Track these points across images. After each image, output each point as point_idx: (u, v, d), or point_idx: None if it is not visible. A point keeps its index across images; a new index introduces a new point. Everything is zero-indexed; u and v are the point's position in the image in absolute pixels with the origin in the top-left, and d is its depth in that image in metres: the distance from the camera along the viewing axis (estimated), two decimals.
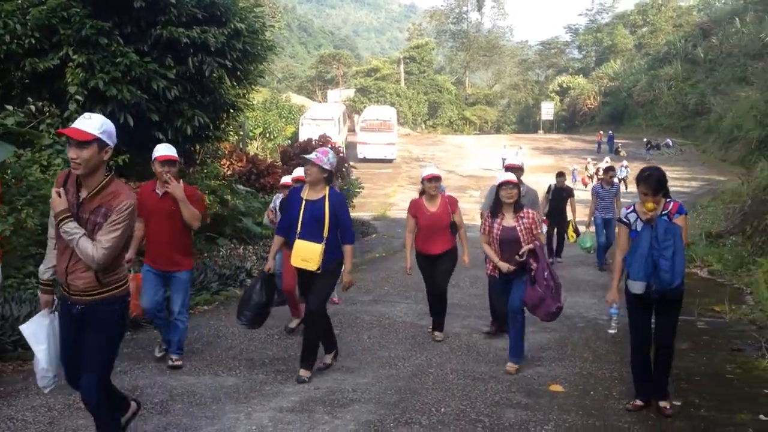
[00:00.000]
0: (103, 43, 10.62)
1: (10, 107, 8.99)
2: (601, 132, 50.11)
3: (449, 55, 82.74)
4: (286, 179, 8.09)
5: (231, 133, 17.38)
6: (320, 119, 40.55)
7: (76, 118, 9.37)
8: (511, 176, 6.39)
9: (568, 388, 5.84)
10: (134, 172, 10.99)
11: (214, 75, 11.91)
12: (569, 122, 68.25)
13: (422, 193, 7.47)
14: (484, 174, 36.99)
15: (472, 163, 41.69)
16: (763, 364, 6.56)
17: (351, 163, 21.24)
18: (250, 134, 30.39)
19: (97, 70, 10.49)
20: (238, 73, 12.88)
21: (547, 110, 66.04)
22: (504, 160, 36.84)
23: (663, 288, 4.91)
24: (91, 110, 10.22)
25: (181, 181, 6.18)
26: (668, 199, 5.16)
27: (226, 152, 16.60)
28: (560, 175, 13.71)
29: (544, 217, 12.03)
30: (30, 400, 5.21)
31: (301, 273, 5.99)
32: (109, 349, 3.87)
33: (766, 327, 7.82)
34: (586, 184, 32.47)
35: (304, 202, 5.86)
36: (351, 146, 42.43)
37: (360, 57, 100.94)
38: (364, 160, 39.86)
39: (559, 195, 13.31)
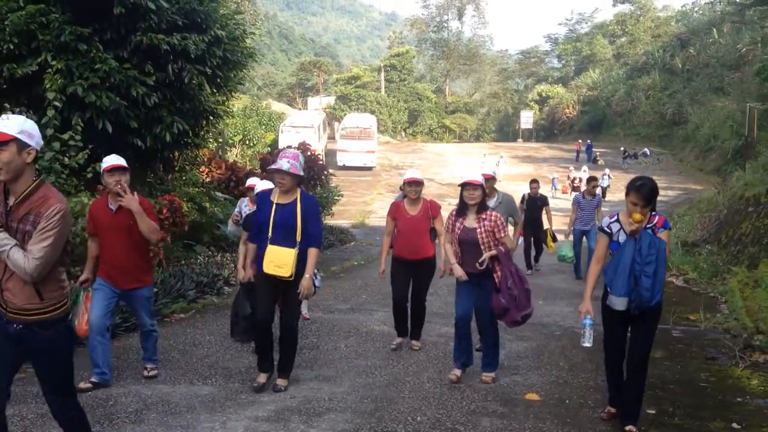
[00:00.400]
0: (83, 49, 10.58)
1: None
2: (580, 141, 50.59)
3: (430, 64, 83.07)
4: (251, 181, 7.79)
5: (210, 140, 17.37)
6: (300, 126, 40.50)
7: (55, 125, 9.38)
8: (474, 177, 6.11)
9: (543, 397, 5.89)
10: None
11: (194, 82, 11.90)
12: (548, 131, 68.73)
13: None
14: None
15: (452, 171, 41.77)
16: (737, 372, 6.66)
17: (330, 171, 21.22)
18: (230, 141, 30.30)
19: (76, 76, 10.44)
20: (218, 80, 12.87)
21: (527, 119, 66.49)
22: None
23: (642, 306, 4.79)
24: (69, 116, 10.20)
25: (135, 192, 5.81)
26: (653, 212, 4.95)
27: (205, 159, 16.54)
28: (534, 182, 13.52)
29: (520, 228, 11.95)
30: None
31: (271, 284, 5.71)
32: (64, 369, 3.72)
33: (739, 335, 7.92)
34: (566, 193, 32.70)
35: (274, 206, 5.65)
36: (331, 154, 42.50)
37: (341, 65, 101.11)
38: (344, 168, 39.91)
39: (534, 204, 13.20)
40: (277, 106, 57.70)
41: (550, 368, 6.80)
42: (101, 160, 9.72)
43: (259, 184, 7.22)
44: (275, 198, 5.69)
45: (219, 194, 14.79)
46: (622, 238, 4.92)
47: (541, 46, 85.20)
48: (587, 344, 5.10)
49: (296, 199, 5.66)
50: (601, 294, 5.12)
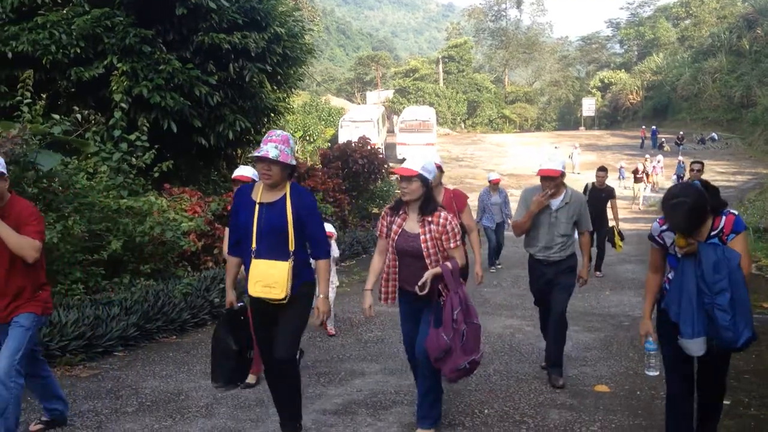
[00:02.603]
0: (147, 50, 10.84)
1: (57, 116, 9.21)
2: (644, 127, 49.40)
3: (488, 54, 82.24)
4: (239, 172, 6.22)
5: None
6: (359, 121, 40.60)
7: (121, 126, 9.63)
8: (411, 165, 4.54)
9: (613, 388, 5.78)
10: (178, 177, 11.18)
11: (255, 80, 12.08)
12: (611, 118, 67.37)
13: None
14: (524, 172, 36.70)
15: (512, 162, 41.37)
16: None
17: (390, 165, 21.22)
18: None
19: (141, 78, 10.70)
20: (278, 77, 13.05)
21: (589, 106, 65.20)
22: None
23: (726, 347, 3.60)
24: (135, 118, 10.46)
25: (8, 194, 4.40)
26: (722, 211, 3.70)
27: None
28: (601, 170, 11.61)
29: None
30: (78, 405, 5.33)
31: (260, 307, 4.39)
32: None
33: None
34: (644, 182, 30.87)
35: (257, 206, 4.29)
36: (390, 147, 42.49)
37: (398, 58, 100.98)
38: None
39: (598, 196, 11.33)
40: (336, 102, 58.03)
41: (620, 359, 6.67)
42: (167, 160, 10.07)
43: (240, 169, 6.31)
44: (258, 195, 4.34)
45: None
46: (679, 252, 3.72)
47: (603, 32, 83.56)
48: (653, 373, 4.07)
49: (285, 195, 4.31)
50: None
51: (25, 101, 8.49)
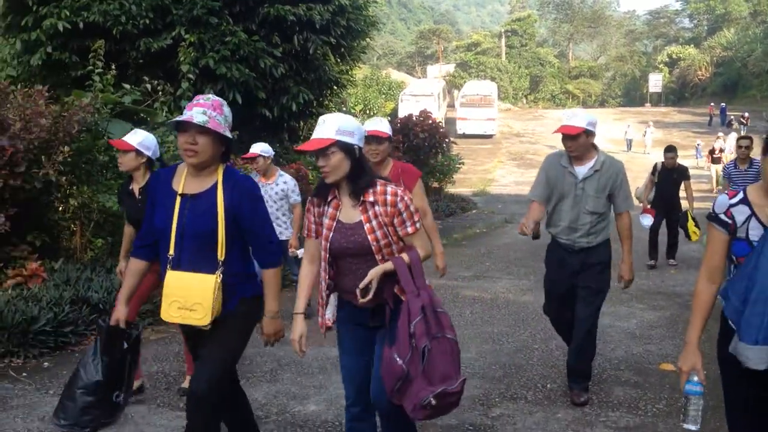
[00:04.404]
0: (213, 22, 10.98)
1: (127, 86, 9.40)
2: (713, 104, 47.91)
3: (552, 28, 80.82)
4: (256, 148, 6.79)
5: (333, 109, 17.62)
6: (420, 95, 40.45)
7: (189, 97, 9.79)
8: (322, 133, 3.05)
9: None
10: (241, 148, 11.32)
11: (319, 52, 12.14)
12: (678, 94, 65.58)
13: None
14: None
15: None
16: None
17: (451, 139, 21.10)
18: (351, 111, 30.72)
19: (208, 49, 10.86)
20: (342, 49, 13.09)
21: (655, 82, 63.54)
22: (629, 141, 35.87)
23: None
24: (201, 89, 10.62)
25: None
26: None
27: None
28: (670, 150, 10.40)
29: (649, 206, 10.11)
30: (147, 367, 5.50)
31: (185, 328, 3.41)
32: None
33: None
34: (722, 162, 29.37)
35: (178, 199, 3.17)
36: (450, 122, 42.20)
37: (460, 32, 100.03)
38: (464, 136, 39.58)
39: (669, 176, 10.22)
40: (397, 75, 57.91)
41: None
42: (233, 131, 10.18)
43: (256, 146, 6.74)
44: (179, 185, 3.19)
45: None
46: (756, 233, 2.67)
47: (672, 6, 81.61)
48: (692, 427, 2.82)
49: (217, 183, 3.18)
50: (716, 331, 2.93)
51: (97, 71, 8.70)
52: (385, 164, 4.52)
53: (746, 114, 40.36)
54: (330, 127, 3.04)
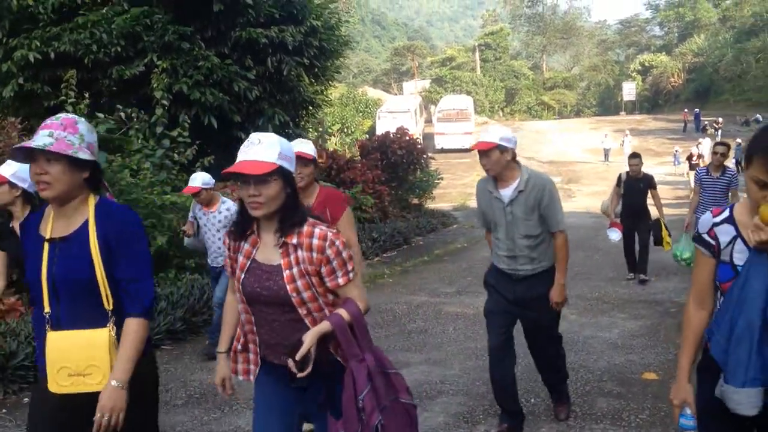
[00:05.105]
0: (185, 47, 10.98)
1: (101, 115, 9.35)
2: (687, 110, 48.49)
3: (525, 40, 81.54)
4: (197, 181, 6.52)
5: (311, 129, 17.65)
6: (397, 112, 40.64)
7: (163, 123, 9.77)
8: (261, 155, 2.54)
9: (662, 376, 5.70)
10: (218, 172, 11.32)
11: (293, 73, 12.16)
12: (652, 102, 66.31)
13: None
14: (564, 159, 36.36)
15: (552, 149, 40.98)
16: None
17: (429, 154, 21.17)
18: (329, 130, 30.75)
19: (181, 75, 10.85)
20: (316, 70, 13.12)
21: (629, 90, 64.23)
22: (607, 151, 35.87)
23: None
24: (176, 114, 10.60)
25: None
26: None
27: None
28: (634, 157, 9.89)
29: (617, 220, 9.67)
30: None
31: (68, 406, 2.58)
32: None
33: None
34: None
35: (46, 245, 2.58)
36: (428, 137, 42.40)
37: (434, 47, 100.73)
38: (442, 151, 39.75)
39: (635, 187, 9.70)
40: (373, 93, 58.06)
41: (668, 346, 6.58)
42: (208, 155, 10.18)
43: (197, 177, 6.48)
44: (48, 226, 2.63)
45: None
46: (740, 257, 2.35)
47: (642, 14, 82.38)
48: None
49: (88, 219, 2.59)
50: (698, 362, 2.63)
51: (69, 101, 8.67)
52: (311, 190, 4.12)
53: (720, 119, 40.85)
54: (270, 149, 2.55)
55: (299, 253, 2.59)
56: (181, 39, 11.01)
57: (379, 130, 29.45)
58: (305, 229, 2.60)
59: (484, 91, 66.56)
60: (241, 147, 2.59)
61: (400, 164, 17.43)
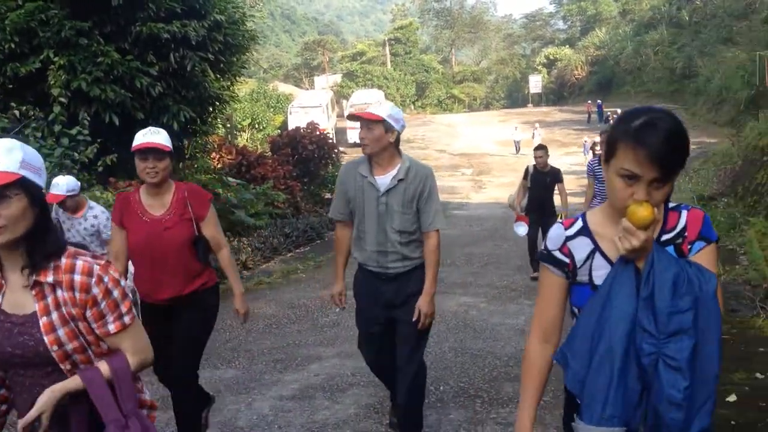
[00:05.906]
0: (84, 43, 10.61)
1: None
2: (590, 102, 50.11)
3: (434, 34, 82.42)
4: (61, 189, 6.01)
5: (219, 126, 17.38)
6: (308, 106, 40.42)
7: (61, 121, 9.44)
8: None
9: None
10: (123, 171, 10.98)
11: (197, 69, 11.92)
12: (558, 94, 68.15)
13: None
14: (475, 151, 36.97)
15: (463, 142, 41.60)
16: (758, 322, 6.63)
17: (341, 149, 21.18)
18: (239, 126, 30.33)
19: (79, 71, 10.49)
20: (221, 65, 12.91)
21: (535, 83, 65.85)
22: (517, 143, 36.42)
23: None
24: (75, 112, 10.25)
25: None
26: (681, 206, 1.99)
27: (215, 146, 16.58)
28: (539, 149, 9.63)
29: (523, 213, 9.43)
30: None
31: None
32: None
33: (759, 286, 7.87)
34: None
35: None
36: (341, 132, 42.35)
37: (345, 41, 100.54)
38: (355, 145, 39.78)
39: (541, 180, 9.42)
40: (284, 88, 57.55)
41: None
42: (111, 153, 9.89)
43: (61, 183, 6.00)
44: None
45: (231, 179, 14.84)
46: (601, 273, 1.97)
47: (546, 9, 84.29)
48: None
49: None
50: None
51: None
52: (166, 187, 3.78)
53: (619, 110, 42.35)
54: (8, 155, 1.91)
55: (59, 293, 1.99)
56: (79, 34, 10.62)
57: (291, 125, 29.25)
58: (64, 261, 2.00)
59: (395, 86, 66.97)
60: None
61: (311, 159, 17.40)
